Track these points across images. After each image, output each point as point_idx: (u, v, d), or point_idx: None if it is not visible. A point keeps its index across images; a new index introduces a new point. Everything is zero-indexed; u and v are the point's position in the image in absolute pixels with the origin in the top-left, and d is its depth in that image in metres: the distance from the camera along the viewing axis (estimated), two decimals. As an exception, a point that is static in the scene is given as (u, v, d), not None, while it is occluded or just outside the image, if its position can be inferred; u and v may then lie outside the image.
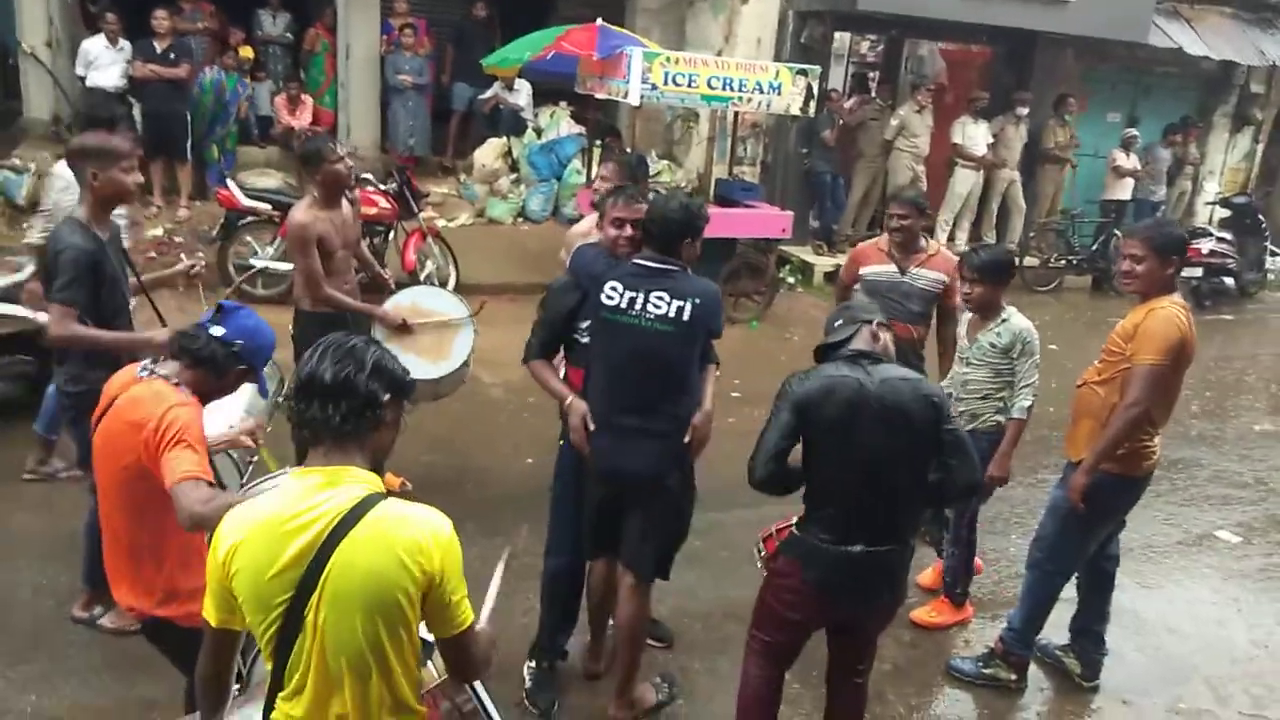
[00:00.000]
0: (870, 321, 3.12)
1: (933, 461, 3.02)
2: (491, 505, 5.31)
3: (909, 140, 11.09)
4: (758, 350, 8.32)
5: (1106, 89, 12.92)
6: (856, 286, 5.04)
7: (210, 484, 2.53)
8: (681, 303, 3.38)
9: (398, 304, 4.91)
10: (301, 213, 4.62)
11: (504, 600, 4.36)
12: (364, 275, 5.21)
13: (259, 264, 8.12)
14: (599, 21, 8.60)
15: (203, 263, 4.26)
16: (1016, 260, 4.63)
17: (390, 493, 2.00)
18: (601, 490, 3.62)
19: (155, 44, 9.33)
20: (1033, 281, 11.53)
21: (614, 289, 3.43)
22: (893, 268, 4.90)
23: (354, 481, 1.94)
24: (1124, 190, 12.23)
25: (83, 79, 9.56)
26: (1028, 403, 4.23)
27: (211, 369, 2.75)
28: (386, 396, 2.00)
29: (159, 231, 9.37)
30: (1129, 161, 12.05)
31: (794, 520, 3.21)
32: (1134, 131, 12.23)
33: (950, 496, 3.23)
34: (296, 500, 1.92)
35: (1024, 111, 11.55)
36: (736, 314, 9.00)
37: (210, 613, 2.00)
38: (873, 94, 11.90)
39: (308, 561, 1.88)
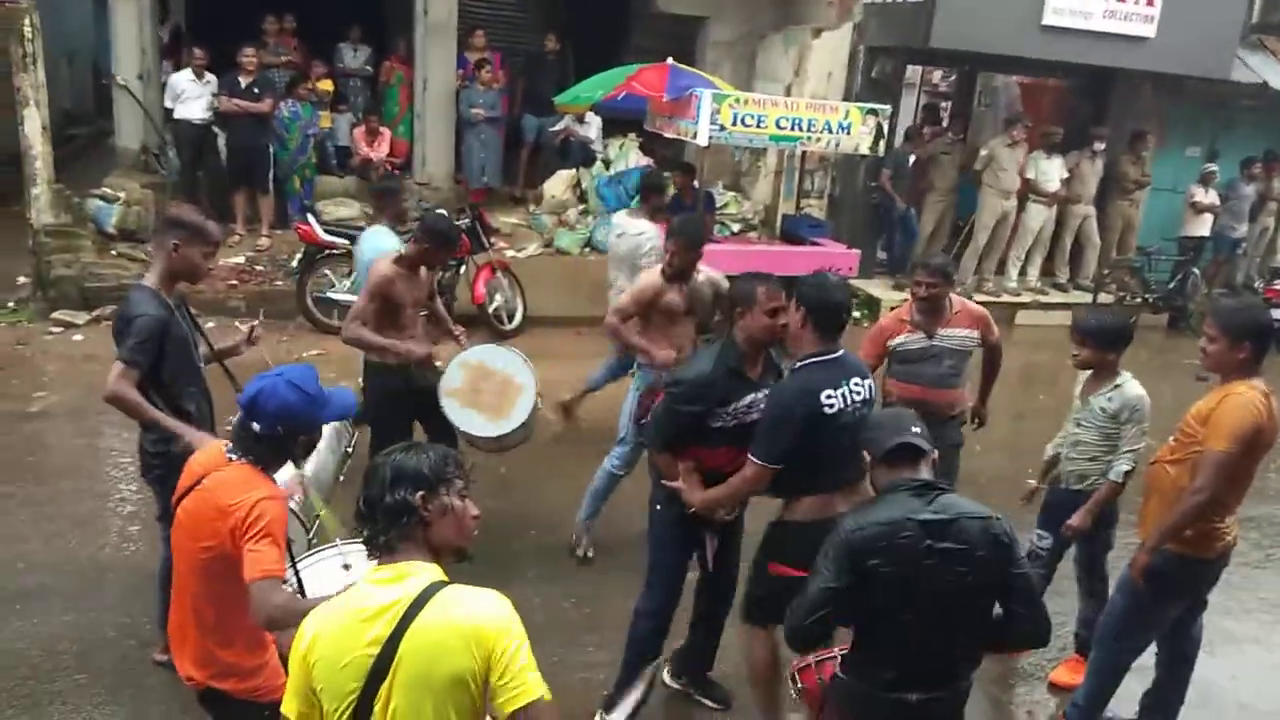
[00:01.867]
0: (930, 451, 2.90)
1: (995, 601, 2.82)
2: (556, 552, 5.40)
3: (995, 175, 10.90)
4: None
5: (1185, 123, 12.61)
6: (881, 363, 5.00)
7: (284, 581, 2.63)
8: (867, 381, 3.65)
9: (465, 361, 5.04)
10: (387, 265, 4.82)
11: (562, 652, 4.51)
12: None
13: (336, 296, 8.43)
14: (670, 61, 8.70)
15: (259, 326, 4.30)
16: (1132, 327, 4.58)
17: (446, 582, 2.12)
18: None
19: (240, 79, 9.67)
20: (1106, 320, 11.32)
21: (830, 396, 3.52)
22: (919, 335, 4.90)
23: (417, 573, 2.11)
24: (1202, 227, 11.94)
25: (170, 111, 9.94)
26: (1126, 468, 4.30)
27: (274, 456, 2.80)
28: (419, 495, 2.14)
29: (240, 259, 9.69)
30: (1207, 197, 11.77)
31: (836, 654, 3.05)
32: (1213, 166, 11.93)
33: (1011, 644, 3.00)
34: (368, 595, 2.08)
35: (1100, 147, 11.35)
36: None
37: (289, 706, 2.12)
38: (944, 125, 11.83)
39: (378, 650, 2.02)
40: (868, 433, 3.00)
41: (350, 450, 4.55)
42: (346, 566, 3.31)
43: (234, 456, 2.75)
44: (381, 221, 5.94)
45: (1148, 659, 4.19)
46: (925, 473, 2.84)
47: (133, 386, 3.63)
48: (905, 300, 5.23)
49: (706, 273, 5.20)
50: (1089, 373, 4.47)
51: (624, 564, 5.08)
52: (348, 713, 2.04)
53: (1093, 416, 4.37)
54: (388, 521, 2.13)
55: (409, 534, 2.14)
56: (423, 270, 4.95)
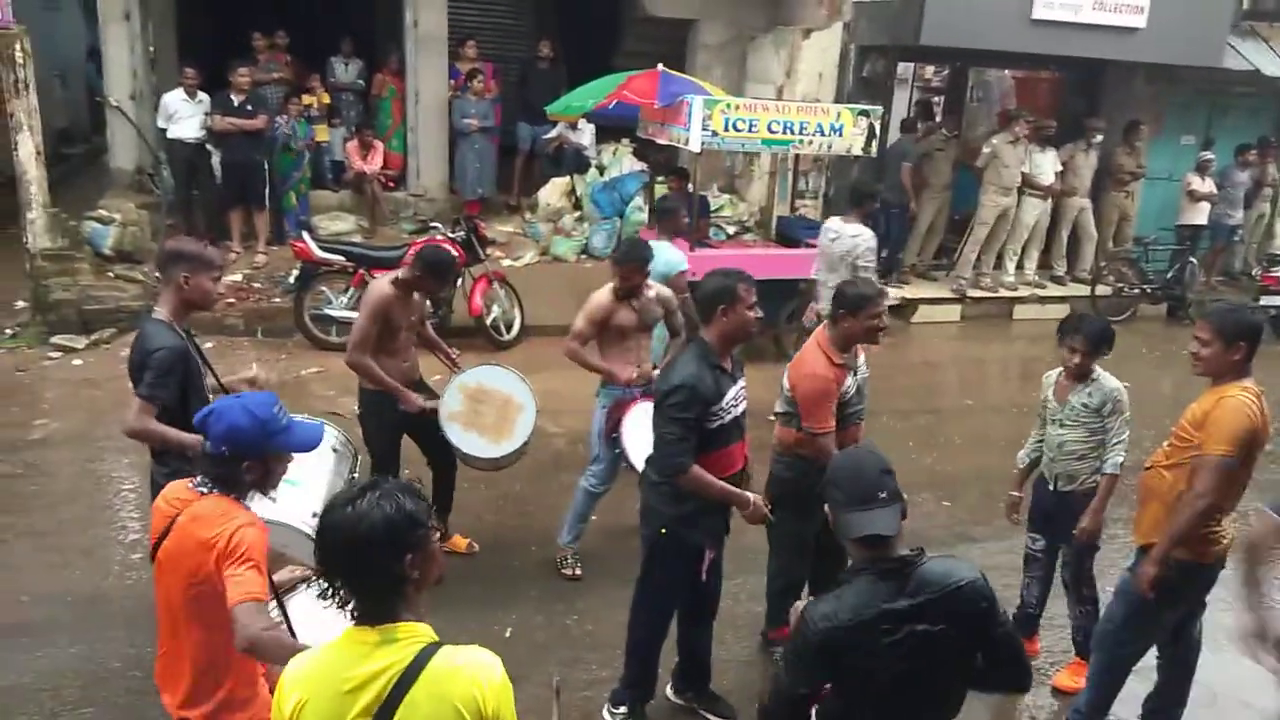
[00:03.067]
0: (900, 499, 2.60)
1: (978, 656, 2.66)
2: (555, 568, 5.41)
3: (997, 172, 10.86)
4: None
5: (1180, 111, 12.60)
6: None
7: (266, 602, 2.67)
8: None
9: (463, 384, 5.07)
10: (384, 286, 4.88)
11: (565, 671, 4.52)
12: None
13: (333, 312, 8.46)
14: (660, 67, 8.69)
15: (265, 374, 4.34)
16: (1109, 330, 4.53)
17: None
18: None
19: (232, 97, 9.68)
20: (1105, 311, 11.30)
21: None
22: (849, 376, 4.36)
23: (407, 638, 2.03)
24: (1199, 215, 11.94)
25: (164, 131, 9.95)
26: (1120, 458, 4.40)
27: (229, 480, 2.75)
28: (407, 559, 2.01)
29: (237, 277, 9.70)
30: (1204, 185, 11.76)
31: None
32: (1209, 154, 11.93)
33: (995, 691, 2.86)
34: (355, 659, 2.01)
35: (1098, 140, 11.35)
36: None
37: None
38: (938, 121, 11.82)
39: None
40: (832, 492, 2.64)
41: (355, 475, 4.57)
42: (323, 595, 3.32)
43: (204, 490, 2.75)
44: (663, 237, 6.63)
45: (1150, 658, 4.20)
46: (898, 548, 2.56)
47: (152, 420, 3.64)
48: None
49: (656, 288, 5.34)
50: (1056, 376, 4.58)
51: (628, 578, 5.07)
52: None
53: (1075, 415, 4.44)
54: (378, 594, 2.02)
55: (400, 598, 2.05)
56: (415, 294, 4.98)
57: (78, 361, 8.17)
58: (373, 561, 1.99)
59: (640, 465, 4.64)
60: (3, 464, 6.39)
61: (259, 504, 3.92)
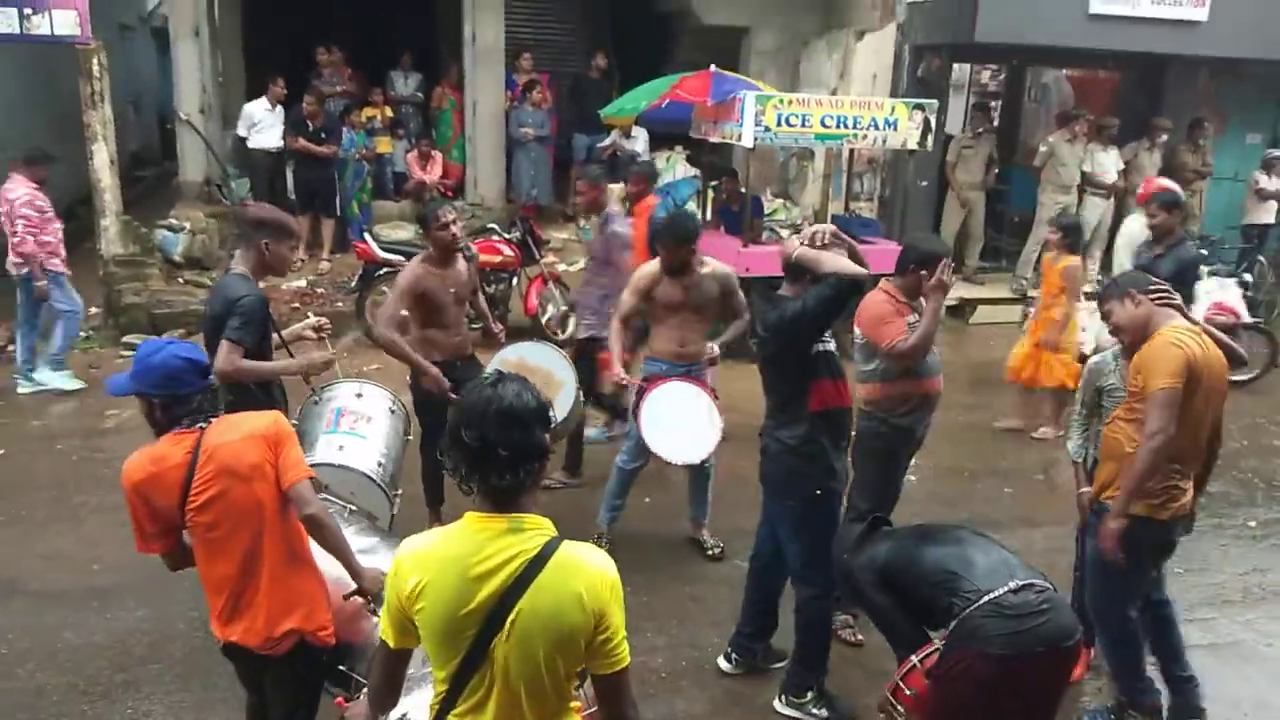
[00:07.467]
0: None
1: None
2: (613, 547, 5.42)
3: (1055, 170, 10.78)
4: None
5: (1245, 108, 12.33)
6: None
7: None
8: None
9: (504, 358, 5.10)
10: (415, 265, 4.94)
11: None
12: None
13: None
14: (712, 68, 8.76)
15: (327, 322, 4.56)
16: None
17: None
18: None
19: (308, 122, 10.02)
20: (1170, 311, 11.06)
21: None
22: (915, 316, 4.36)
23: (534, 528, 2.10)
24: (1266, 214, 11.59)
25: (244, 139, 10.28)
26: None
27: (176, 411, 2.86)
28: (547, 437, 2.11)
29: (302, 283, 9.94)
30: (1271, 184, 11.46)
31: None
32: (1276, 152, 11.62)
33: None
34: (483, 544, 2.07)
35: (1162, 139, 11.15)
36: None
37: (389, 635, 2.16)
38: (994, 124, 11.67)
39: (495, 602, 2.04)
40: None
41: (410, 437, 4.68)
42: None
43: (195, 427, 2.85)
44: None
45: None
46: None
47: (241, 359, 3.87)
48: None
49: (713, 266, 5.14)
50: (1114, 362, 4.11)
51: (678, 556, 5.21)
52: (461, 655, 2.08)
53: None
54: (530, 469, 2.07)
55: (533, 480, 2.10)
56: (461, 265, 5.01)
57: (148, 360, 8.40)
58: (524, 430, 2.04)
59: (657, 447, 4.65)
60: (81, 450, 6.64)
61: (327, 451, 4.11)
